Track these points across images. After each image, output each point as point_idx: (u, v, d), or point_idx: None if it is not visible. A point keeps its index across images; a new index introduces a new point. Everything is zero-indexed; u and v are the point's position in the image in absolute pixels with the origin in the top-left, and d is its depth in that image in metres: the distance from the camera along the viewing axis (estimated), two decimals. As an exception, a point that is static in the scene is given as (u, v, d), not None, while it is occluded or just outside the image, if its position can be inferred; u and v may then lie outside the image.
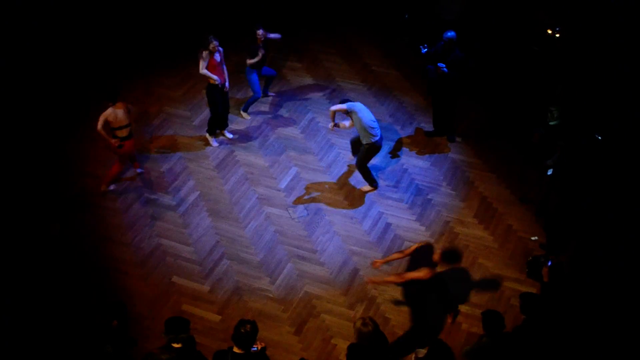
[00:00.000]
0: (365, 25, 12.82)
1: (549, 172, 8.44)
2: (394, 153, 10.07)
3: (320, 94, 11.20)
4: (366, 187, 9.53)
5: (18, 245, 8.40)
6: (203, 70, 9.52)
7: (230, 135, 10.34)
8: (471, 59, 9.61)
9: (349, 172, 9.76)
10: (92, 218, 9.05)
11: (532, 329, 6.47)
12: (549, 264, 7.22)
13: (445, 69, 9.42)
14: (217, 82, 9.54)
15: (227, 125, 10.31)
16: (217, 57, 9.54)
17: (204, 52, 9.43)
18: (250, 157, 10.00)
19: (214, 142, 10.18)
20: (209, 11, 12.92)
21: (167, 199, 9.35)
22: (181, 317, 6.08)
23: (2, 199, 8.98)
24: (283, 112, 10.82)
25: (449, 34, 9.39)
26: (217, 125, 10.16)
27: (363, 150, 9.11)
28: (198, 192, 9.43)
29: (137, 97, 11.02)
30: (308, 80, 11.48)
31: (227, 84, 9.78)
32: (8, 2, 10.78)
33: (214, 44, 9.38)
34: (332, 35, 12.52)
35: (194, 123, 10.60)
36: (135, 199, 9.32)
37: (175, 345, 5.89)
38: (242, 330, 5.70)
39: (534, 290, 7.62)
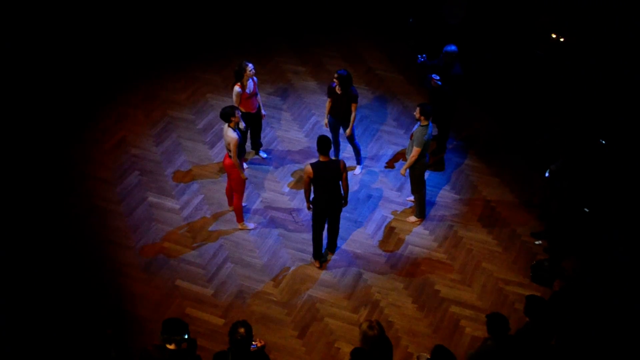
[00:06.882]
0: (370, 28, 12.82)
1: (547, 174, 8.43)
2: (398, 157, 10.06)
3: (324, 97, 11.19)
4: (413, 217, 9.15)
5: (21, 248, 8.41)
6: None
7: (264, 155, 10.04)
8: (466, 78, 9.26)
9: (352, 176, 9.75)
10: (95, 221, 9.06)
11: (536, 332, 6.45)
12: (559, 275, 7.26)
13: (439, 82, 9.04)
14: (242, 127, 8.92)
15: (260, 145, 9.99)
16: (249, 87, 9.03)
17: (235, 88, 8.96)
18: (254, 161, 10.00)
19: (243, 165, 9.91)
20: (213, 13, 12.93)
21: (171, 202, 9.36)
22: (178, 320, 5.97)
23: (6, 202, 9.00)
24: (287, 115, 10.82)
25: (449, 48, 9.02)
26: (243, 149, 9.71)
27: (418, 170, 8.64)
28: (202, 196, 9.42)
29: (140, 100, 11.05)
30: (312, 84, 11.48)
31: (263, 111, 9.47)
32: (11, 3, 10.82)
33: (249, 67, 8.87)
34: (336, 38, 12.53)
35: (198, 127, 10.60)
36: (139, 202, 9.33)
37: (169, 346, 5.83)
38: (238, 337, 5.68)
39: (538, 294, 7.60)
